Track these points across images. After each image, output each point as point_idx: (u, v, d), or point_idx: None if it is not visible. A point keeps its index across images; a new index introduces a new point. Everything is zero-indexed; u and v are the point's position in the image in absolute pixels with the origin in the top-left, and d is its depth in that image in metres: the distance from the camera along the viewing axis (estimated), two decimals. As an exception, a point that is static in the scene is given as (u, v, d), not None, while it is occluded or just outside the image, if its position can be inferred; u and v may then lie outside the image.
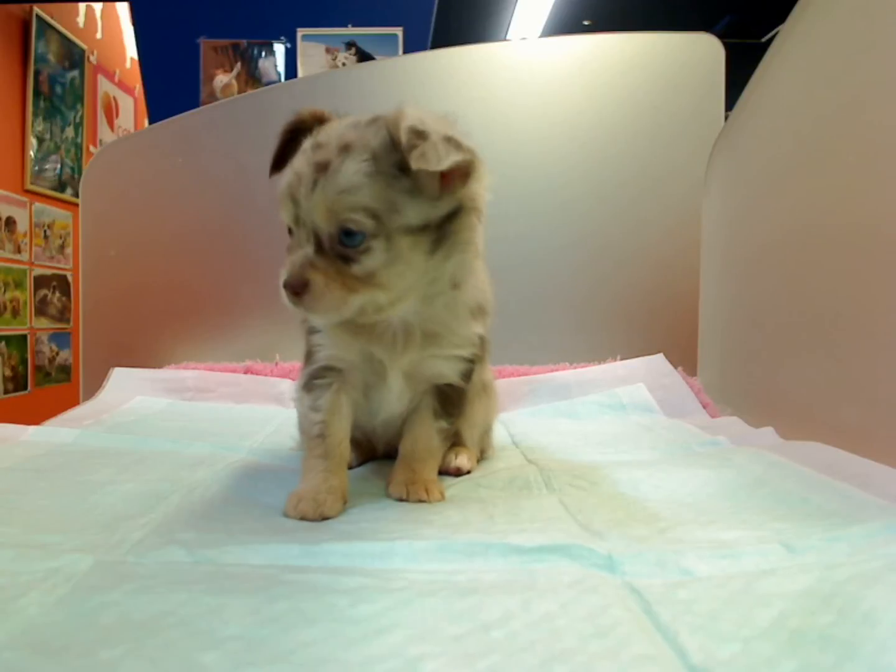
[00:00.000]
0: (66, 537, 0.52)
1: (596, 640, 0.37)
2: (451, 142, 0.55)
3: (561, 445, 0.97)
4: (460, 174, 0.58)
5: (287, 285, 0.57)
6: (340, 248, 0.57)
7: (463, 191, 0.60)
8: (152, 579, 0.45)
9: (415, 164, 0.53)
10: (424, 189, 0.57)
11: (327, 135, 0.60)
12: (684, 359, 1.46)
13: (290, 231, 0.61)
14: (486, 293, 0.72)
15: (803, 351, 0.95)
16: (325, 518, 0.59)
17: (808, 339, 0.93)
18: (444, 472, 0.78)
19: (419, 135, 0.54)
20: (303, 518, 0.59)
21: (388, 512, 0.63)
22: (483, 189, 0.63)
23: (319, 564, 0.48)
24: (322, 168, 0.56)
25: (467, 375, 0.72)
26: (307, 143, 0.60)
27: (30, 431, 0.93)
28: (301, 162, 0.59)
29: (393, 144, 0.56)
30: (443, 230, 0.60)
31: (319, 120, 0.64)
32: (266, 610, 0.40)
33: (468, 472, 0.79)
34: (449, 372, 0.69)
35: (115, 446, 0.88)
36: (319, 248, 0.58)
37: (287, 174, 0.60)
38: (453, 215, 0.60)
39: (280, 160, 0.64)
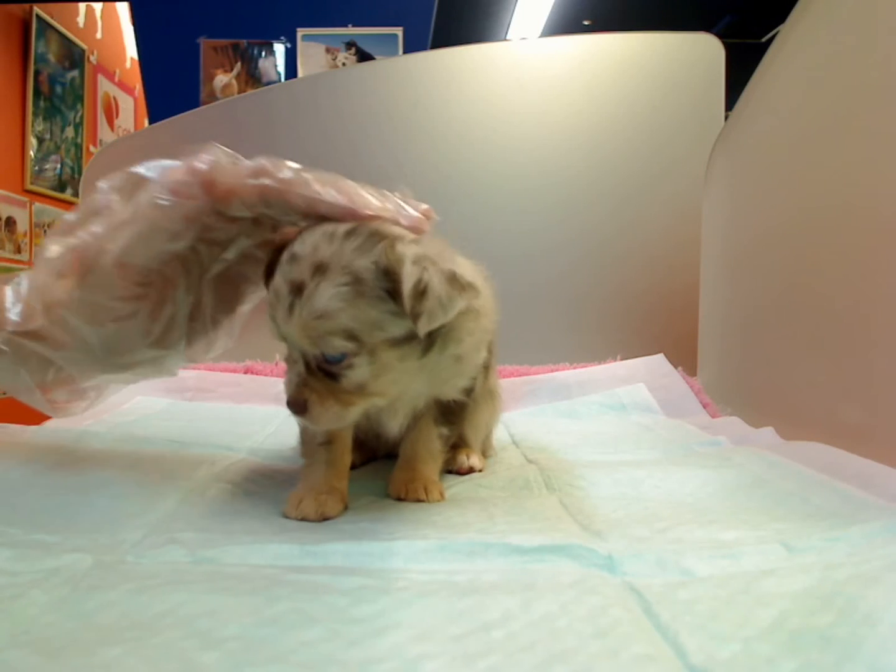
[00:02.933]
0: (66, 537, 0.52)
1: (596, 640, 0.37)
2: (454, 283, 0.54)
3: (561, 445, 0.97)
4: None
5: (289, 405, 0.58)
6: (326, 365, 0.56)
7: None
8: (152, 579, 0.45)
9: (423, 329, 0.53)
10: None
11: (302, 245, 0.56)
12: (684, 359, 1.46)
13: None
14: (491, 314, 0.68)
15: (803, 351, 0.95)
16: (326, 518, 0.60)
17: (809, 339, 0.93)
18: (456, 471, 0.79)
19: (421, 295, 0.52)
20: (304, 518, 0.59)
21: (388, 512, 0.63)
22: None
23: (320, 564, 0.48)
24: (296, 290, 0.54)
25: (470, 391, 0.71)
26: (285, 255, 0.57)
27: (30, 431, 0.93)
28: (278, 279, 0.56)
29: (384, 272, 0.54)
30: (434, 334, 0.57)
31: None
32: (266, 610, 0.40)
33: (480, 471, 0.80)
34: (452, 393, 0.69)
35: (115, 446, 0.88)
36: (308, 365, 0.57)
37: (270, 290, 0.58)
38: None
39: (270, 271, 0.60)
